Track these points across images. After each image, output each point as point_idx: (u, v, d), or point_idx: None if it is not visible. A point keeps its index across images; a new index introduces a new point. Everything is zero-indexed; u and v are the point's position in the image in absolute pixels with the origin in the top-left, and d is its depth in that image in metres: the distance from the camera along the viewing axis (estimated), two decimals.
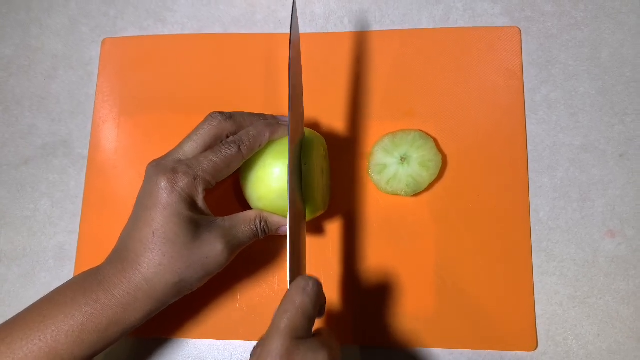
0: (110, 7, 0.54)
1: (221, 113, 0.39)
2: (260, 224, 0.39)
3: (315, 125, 0.49)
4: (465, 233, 0.46)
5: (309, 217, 0.42)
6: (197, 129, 0.39)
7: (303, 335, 0.32)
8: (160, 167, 0.37)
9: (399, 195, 0.45)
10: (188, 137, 0.39)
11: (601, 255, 0.45)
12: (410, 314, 0.44)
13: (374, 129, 0.48)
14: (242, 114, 0.41)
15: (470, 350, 0.44)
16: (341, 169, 0.47)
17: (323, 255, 0.46)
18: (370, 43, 0.50)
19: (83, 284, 0.36)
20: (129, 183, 0.49)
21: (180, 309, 0.45)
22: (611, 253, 0.45)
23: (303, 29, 0.51)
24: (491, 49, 0.49)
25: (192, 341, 0.45)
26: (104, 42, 0.53)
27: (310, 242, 0.46)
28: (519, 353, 0.44)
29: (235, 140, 0.38)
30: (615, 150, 0.47)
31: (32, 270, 0.48)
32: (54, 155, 0.50)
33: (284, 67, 0.50)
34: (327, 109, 0.49)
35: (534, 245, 0.45)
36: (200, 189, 0.37)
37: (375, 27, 0.51)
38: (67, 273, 0.48)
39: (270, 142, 0.40)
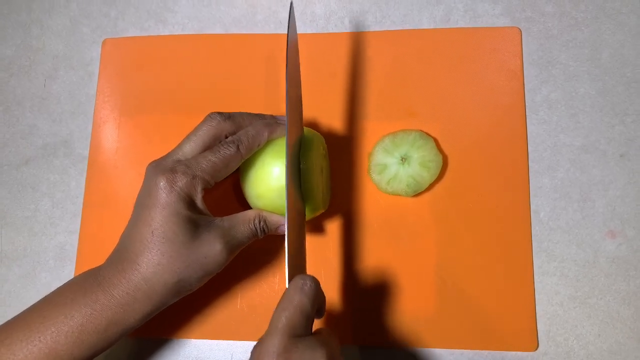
0: (111, 7, 0.54)
1: (220, 113, 0.39)
2: (260, 223, 0.39)
3: (315, 125, 0.49)
4: (466, 233, 0.46)
5: (308, 216, 0.42)
6: (196, 129, 0.39)
7: (301, 333, 0.33)
8: (160, 167, 0.37)
9: (399, 195, 0.45)
10: (187, 138, 0.39)
11: (602, 256, 0.45)
12: (411, 314, 0.44)
13: (374, 129, 0.48)
14: (241, 114, 0.41)
15: (470, 351, 0.44)
16: (341, 169, 0.48)
17: (323, 255, 0.46)
18: (371, 43, 0.50)
19: (83, 284, 0.36)
20: (129, 183, 0.49)
21: (181, 309, 0.45)
22: (612, 253, 0.45)
23: (304, 29, 0.51)
24: (492, 49, 0.49)
25: (193, 341, 0.45)
26: (104, 42, 0.53)
27: (311, 242, 0.46)
28: (520, 353, 0.44)
29: (234, 140, 0.38)
30: (616, 151, 0.47)
31: (32, 271, 0.48)
32: (55, 156, 0.50)
33: (285, 68, 0.50)
34: (328, 109, 0.49)
35: (534, 245, 0.45)
36: (199, 189, 0.37)
37: (375, 28, 0.51)
38: (67, 273, 0.48)
39: (269, 142, 0.40)
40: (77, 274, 0.38)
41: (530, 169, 0.47)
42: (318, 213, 0.43)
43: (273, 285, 0.46)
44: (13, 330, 0.35)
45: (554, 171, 0.47)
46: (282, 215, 0.40)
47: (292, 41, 0.40)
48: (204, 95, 0.50)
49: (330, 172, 0.47)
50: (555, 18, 0.50)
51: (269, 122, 0.41)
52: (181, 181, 0.36)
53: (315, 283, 0.35)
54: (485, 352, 0.44)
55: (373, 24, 0.51)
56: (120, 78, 0.51)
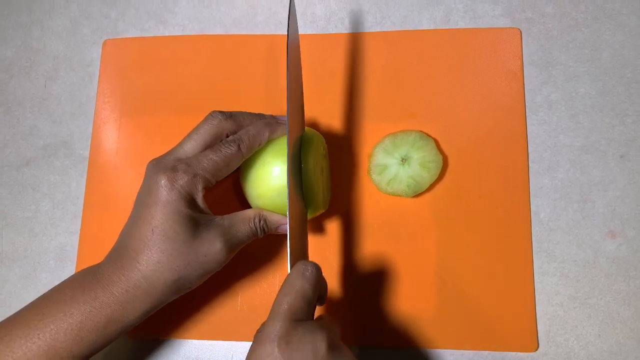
0: (111, 8, 0.54)
1: (221, 112, 0.40)
2: (260, 222, 0.39)
3: (315, 126, 0.49)
4: (466, 234, 0.46)
5: (309, 216, 0.42)
6: (197, 127, 0.39)
7: (303, 318, 0.33)
8: (160, 165, 0.37)
9: (399, 195, 0.45)
10: (188, 136, 0.39)
11: (602, 256, 0.45)
12: (411, 315, 0.44)
13: (374, 129, 0.48)
14: (242, 113, 0.41)
15: (470, 351, 0.44)
16: (342, 169, 0.48)
17: (323, 255, 0.46)
18: (371, 44, 0.50)
19: (82, 281, 0.36)
20: (129, 184, 0.49)
21: (181, 310, 0.45)
22: (612, 254, 0.45)
23: (304, 30, 0.51)
24: (492, 50, 0.49)
25: (193, 342, 0.45)
26: (105, 43, 0.53)
27: (311, 242, 0.46)
28: (520, 354, 0.44)
29: (235, 139, 0.38)
30: (616, 151, 0.47)
31: (33, 271, 0.48)
32: (55, 157, 0.50)
33: (285, 68, 0.50)
34: (328, 110, 0.49)
35: (534, 245, 0.45)
36: (200, 187, 0.37)
37: (375, 29, 0.51)
38: (68, 274, 0.48)
39: (269, 141, 0.40)
40: (75, 272, 0.38)
41: (531, 170, 0.47)
42: (318, 213, 0.43)
43: (273, 286, 0.46)
44: (12, 328, 0.35)
45: (554, 172, 0.47)
46: (283, 214, 0.41)
47: (293, 37, 0.40)
48: (204, 96, 0.50)
49: (330, 173, 0.47)
50: (556, 19, 0.50)
51: (270, 121, 0.41)
52: (182, 179, 0.36)
53: (317, 269, 0.35)
54: (486, 352, 0.44)
55: (373, 25, 0.51)
56: (121, 79, 0.52)
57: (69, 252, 0.48)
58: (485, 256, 0.45)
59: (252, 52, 0.51)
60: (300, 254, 0.38)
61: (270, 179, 0.39)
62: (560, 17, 0.50)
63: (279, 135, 0.41)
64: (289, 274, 0.35)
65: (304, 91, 0.44)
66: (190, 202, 0.36)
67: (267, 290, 0.46)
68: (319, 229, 0.47)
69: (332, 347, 0.32)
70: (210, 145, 0.38)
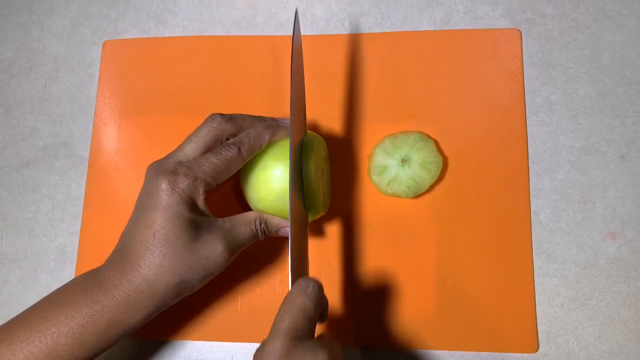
0: (111, 9, 0.54)
1: (221, 115, 0.39)
2: (261, 225, 0.39)
3: (315, 127, 0.49)
4: (466, 235, 0.46)
5: (309, 218, 0.42)
6: (197, 130, 0.39)
7: (304, 336, 0.32)
8: (161, 168, 0.37)
9: (399, 196, 0.45)
10: (188, 139, 0.39)
11: (602, 257, 0.45)
12: (411, 316, 0.44)
13: (374, 130, 0.48)
14: (242, 116, 0.41)
15: (470, 352, 0.44)
16: (341, 170, 0.48)
17: (324, 256, 0.46)
18: (371, 45, 0.50)
19: (84, 285, 0.36)
20: (129, 185, 0.49)
21: (181, 311, 0.45)
22: (612, 255, 0.45)
23: (304, 31, 0.51)
24: (492, 51, 0.49)
25: (193, 343, 0.45)
26: (105, 44, 0.53)
27: (311, 244, 0.46)
28: (520, 355, 0.44)
29: (236, 142, 0.38)
30: (616, 152, 0.47)
31: (33, 272, 0.48)
32: (55, 157, 0.50)
33: (285, 69, 0.50)
34: (328, 111, 0.49)
35: (534, 246, 0.45)
36: (201, 191, 0.37)
37: (376, 30, 0.51)
38: (68, 275, 0.48)
39: (270, 144, 0.40)
40: (77, 276, 0.38)
41: (531, 171, 0.47)
42: (319, 215, 0.43)
43: (274, 287, 0.46)
44: (14, 330, 0.35)
45: (554, 172, 0.47)
46: (283, 217, 0.41)
47: (297, 48, 0.40)
48: (204, 96, 0.50)
49: (330, 174, 0.47)
50: (556, 20, 0.50)
51: (270, 124, 0.41)
52: (183, 183, 0.36)
53: (319, 286, 0.35)
54: (486, 353, 0.44)
55: (373, 26, 0.51)
56: (121, 79, 0.52)
57: (69, 253, 0.48)
58: (485, 257, 0.45)
59: (252, 53, 0.51)
60: (300, 262, 0.38)
61: (271, 182, 0.39)
62: (560, 18, 0.50)
63: (279, 137, 0.40)
64: (290, 291, 0.34)
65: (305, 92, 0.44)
66: (191, 205, 0.36)
67: (267, 292, 0.46)
68: (319, 231, 0.47)
69: None
70: (210, 148, 0.38)
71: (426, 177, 0.44)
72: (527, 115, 0.48)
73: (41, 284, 0.48)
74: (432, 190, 0.47)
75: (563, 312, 0.44)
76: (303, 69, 0.44)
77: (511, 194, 0.46)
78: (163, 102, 0.50)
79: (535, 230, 0.46)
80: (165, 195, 0.35)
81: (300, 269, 0.38)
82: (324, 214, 0.43)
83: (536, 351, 0.44)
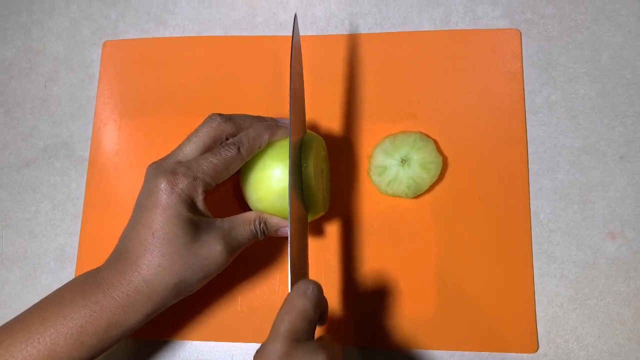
0: (111, 9, 0.54)
1: (220, 115, 0.40)
2: (260, 225, 0.39)
3: (315, 127, 0.49)
4: (466, 235, 0.46)
5: (309, 218, 0.42)
6: (196, 130, 0.39)
7: (303, 338, 0.32)
8: (160, 168, 0.37)
9: (399, 197, 0.45)
10: (188, 139, 0.39)
11: (602, 257, 0.45)
12: (411, 316, 0.44)
13: (374, 131, 0.48)
14: (241, 116, 0.41)
15: (470, 352, 0.44)
16: (341, 170, 0.48)
17: (323, 257, 0.46)
18: (371, 45, 0.50)
19: (83, 285, 0.36)
20: (129, 185, 0.49)
21: (181, 311, 0.45)
22: (612, 255, 0.45)
23: (304, 31, 0.51)
24: (491, 51, 0.49)
25: (193, 343, 0.45)
26: (105, 44, 0.53)
27: (311, 244, 0.46)
28: (520, 355, 0.44)
29: (235, 142, 0.38)
30: (616, 152, 0.47)
31: (33, 272, 0.48)
32: (55, 158, 0.50)
33: (285, 69, 0.50)
34: (327, 111, 0.49)
35: (534, 247, 0.45)
36: (200, 191, 0.37)
37: (375, 30, 0.51)
38: (68, 275, 0.48)
39: (269, 144, 0.40)
40: (76, 276, 0.38)
41: (530, 171, 0.47)
42: (318, 215, 0.43)
43: (273, 287, 0.46)
44: (12, 332, 0.35)
45: (553, 173, 0.47)
46: (283, 217, 0.41)
47: (296, 51, 0.40)
48: (204, 96, 0.50)
49: (330, 174, 0.47)
50: (555, 20, 0.50)
51: (270, 124, 0.41)
52: (182, 183, 0.36)
53: (318, 288, 0.35)
54: (485, 353, 0.44)
55: (373, 26, 0.51)
56: (121, 80, 0.52)
57: (69, 253, 0.48)
58: (485, 257, 0.45)
59: (252, 53, 0.51)
60: (300, 263, 0.38)
61: (270, 182, 0.39)
62: (560, 19, 0.50)
63: (279, 137, 0.41)
64: (289, 293, 0.34)
65: (304, 93, 0.44)
66: (191, 205, 0.36)
67: (267, 292, 0.46)
68: (319, 231, 0.47)
69: None
70: (209, 148, 0.38)
71: (426, 177, 0.44)
72: (526, 115, 0.48)
73: (41, 284, 0.48)
74: (432, 190, 0.47)
75: (563, 312, 0.44)
76: (302, 72, 0.44)
77: (511, 194, 0.46)
78: (163, 102, 0.50)
79: (535, 230, 0.46)
80: (165, 195, 0.35)
81: (300, 270, 0.38)
82: (323, 213, 0.44)
83: (536, 351, 0.44)
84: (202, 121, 0.39)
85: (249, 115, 0.41)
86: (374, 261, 0.46)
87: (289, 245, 0.36)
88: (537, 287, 0.45)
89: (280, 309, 0.34)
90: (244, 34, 0.52)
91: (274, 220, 0.40)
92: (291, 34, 0.50)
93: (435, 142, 0.47)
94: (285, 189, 0.39)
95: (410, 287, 0.45)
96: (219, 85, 0.50)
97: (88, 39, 0.53)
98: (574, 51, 0.49)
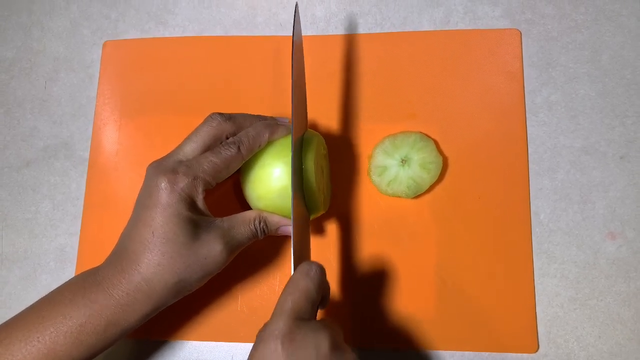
0: (111, 9, 0.54)
1: (221, 114, 0.40)
2: (260, 224, 0.39)
3: (315, 127, 0.49)
4: (466, 235, 0.46)
5: (310, 217, 0.42)
6: (196, 130, 0.39)
7: (306, 317, 0.33)
8: (161, 167, 0.37)
9: (399, 197, 0.45)
10: (188, 138, 0.39)
11: (602, 257, 0.45)
12: (411, 316, 0.44)
13: (375, 131, 0.48)
14: (241, 115, 0.41)
15: (470, 352, 0.44)
16: (341, 170, 0.48)
17: (323, 256, 0.46)
18: (371, 45, 0.50)
19: (82, 284, 0.36)
20: (130, 185, 0.49)
21: (181, 311, 0.45)
22: (612, 255, 0.45)
23: (304, 31, 0.51)
24: (492, 51, 0.49)
25: (193, 343, 0.45)
26: (105, 44, 0.53)
27: (311, 243, 0.46)
28: (520, 355, 0.44)
29: (235, 141, 0.38)
30: (616, 152, 0.47)
31: (33, 273, 0.48)
32: (55, 158, 0.50)
33: (285, 69, 0.50)
34: (327, 111, 0.49)
35: (534, 247, 0.45)
36: (200, 190, 0.37)
37: (376, 30, 0.51)
38: (68, 275, 0.48)
39: (269, 143, 0.40)
40: (76, 275, 0.38)
41: (530, 171, 0.47)
42: (318, 214, 0.43)
43: (273, 287, 0.46)
44: (12, 331, 0.35)
45: (554, 173, 0.47)
46: (283, 215, 0.41)
47: (297, 42, 0.40)
48: (204, 96, 0.50)
49: (330, 174, 0.47)
50: (555, 20, 0.50)
51: (270, 123, 0.41)
52: (182, 182, 0.36)
53: (321, 269, 0.35)
54: (486, 353, 0.44)
55: (373, 26, 0.51)
56: (121, 80, 0.52)
57: (69, 253, 0.48)
58: (485, 257, 0.45)
59: (252, 53, 0.51)
60: (304, 247, 0.38)
61: (270, 181, 0.39)
62: (560, 19, 0.50)
63: (279, 136, 0.41)
64: (293, 274, 0.35)
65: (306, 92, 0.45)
66: (191, 204, 0.36)
67: (267, 292, 0.46)
68: (319, 230, 0.47)
69: (335, 346, 0.32)
70: (210, 147, 0.38)
71: (426, 177, 0.44)
72: (527, 115, 0.48)
73: (41, 284, 0.48)
74: (432, 191, 0.47)
75: (563, 312, 0.44)
76: (304, 64, 0.44)
77: (511, 194, 0.46)
78: (163, 102, 0.50)
79: (535, 230, 0.46)
80: (165, 194, 0.35)
81: (303, 253, 0.38)
82: (323, 212, 0.43)
83: (536, 351, 0.44)
84: (202, 121, 0.39)
85: (249, 114, 0.41)
86: (374, 261, 0.46)
87: (291, 240, 0.36)
88: (538, 287, 0.45)
89: (283, 290, 0.34)
90: (244, 34, 0.52)
91: (274, 219, 0.40)
92: (292, 29, 0.50)
93: (436, 142, 0.47)
94: (285, 187, 0.39)
95: (410, 286, 0.45)
96: (219, 85, 0.50)
97: (88, 39, 0.53)
98: (574, 51, 0.49)
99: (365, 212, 0.47)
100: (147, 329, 0.41)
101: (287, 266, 0.46)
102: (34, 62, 0.53)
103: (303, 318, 0.33)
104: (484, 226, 0.46)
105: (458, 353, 0.44)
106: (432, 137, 0.47)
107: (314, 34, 0.51)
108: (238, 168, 0.39)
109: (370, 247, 0.46)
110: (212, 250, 0.36)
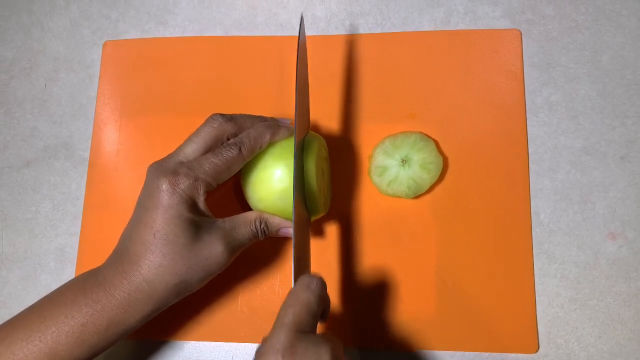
0: (111, 9, 0.54)
1: (222, 115, 0.40)
2: (261, 225, 0.39)
3: (316, 128, 0.49)
4: (466, 235, 0.46)
5: (310, 218, 0.42)
6: (198, 130, 0.39)
7: (307, 330, 0.33)
8: (162, 169, 0.37)
9: (399, 197, 0.45)
10: (189, 139, 0.39)
11: (602, 258, 0.45)
12: (411, 316, 0.44)
13: (375, 131, 0.48)
14: (242, 116, 0.41)
15: (471, 353, 0.44)
16: (342, 171, 0.48)
17: (324, 257, 0.46)
18: (371, 46, 0.50)
19: (84, 284, 0.36)
20: (130, 185, 0.49)
21: (181, 311, 0.45)
22: (612, 255, 0.45)
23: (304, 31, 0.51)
24: (492, 51, 0.49)
25: (193, 343, 0.45)
26: (105, 44, 0.53)
27: (311, 244, 0.46)
28: (520, 355, 0.44)
29: (236, 142, 0.38)
30: (616, 153, 0.47)
31: (33, 273, 0.48)
32: (55, 158, 0.50)
33: (286, 69, 0.50)
34: (328, 111, 0.49)
35: (535, 247, 0.45)
36: (201, 191, 0.37)
37: (376, 30, 0.51)
38: (68, 275, 0.48)
39: (271, 144, 0.40)
40: (77, 275, 0.38)
41: (531, 171, 0.47)
42: (319, 215, 0.43)
43: (274, 287, 0.46)
44: (13, 330, 0.35)
45: (554, 173, 0.47)
46: (283, 217, 0.41)
47: (302, 51, 0.40)
48: (204, 97, 0.50)
49: (330, 175, 0.47)
50: (556, 20, 0.50)
51: (271, 124, 0.41)
52: (183, 183, 0.36)
53: (322, 282, 0.35)
54: (486, 354, 0.44)
55: (374, 27, 0.51)
56: (121, 80, 0.52)
57: (69, 253, 0.48)
58: (485, 257, 0.45)
59: (252, 53, 0.51)
60: (304, 259, 0.38)
61: (271, 182, 0.39)
62: (560, 19, 0.50)
63: (280, 137, 0.41)
64: (293, 287, 0.35)
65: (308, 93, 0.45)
66: (192, 205, 0.36)
67: (267, 292, 0.46)
68: (320, 231, 0.47)
69: None
70: (211, 148, 0.38)
71: (426, 178, 0.44)
72: (527, 115, 0.48)
73: (41, 284, 0.48)
74: (433, 191, 0.47)
75: (563, 312, 0.44)
76: (307, 74, 0.44)
77: (511, 195, 0.46)
78: (163, 102, 0.50)
79: (535, 230, 0.46)
80: (166, 196, 0.35)
81: (303, 266, 0.38)
82: (324, 213, 0.43)
83: (536, 352, 0.44)
84: (202, 121, 0.39)
85: (251, 115, 0.41)
86: (374, 261, 0.46)
87: (293, 246, 0.36)
88: (538, 287, 0.45)
89: (284, 302, 0.34)
90: (244, 34, 0.52)
91: (275, 220, 0.40)
92: (295, 35, 0.50)
93: (436, 143, 0.47)
94: (285, 189, 0.39)
95: (410, 287, 0.45)
96: (219, 85, 0.50)
97: (88, 39, 0.53)
98: (574, 51, 0.49)
99: (365, 213, 0.47)
100: (147, 329, 0.41)
101: (287, 267, 0.46)
102: (34, 62, 0.53)
103: (304, 331, 0.32)
104: (484, 226, 0.46)
105: (458, 353, 0.44)
106: (432, 137, 0.47)
107: (314, 34, 0.51)
108: (239, 169, 0.39)
109: (371, 248, 0.46)
110: (213, 251, 0.36)
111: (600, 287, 0.44)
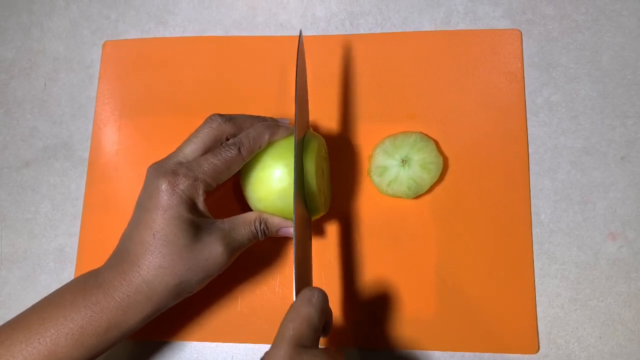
0: (111, 10, 0.54)
1: (221, 115, 0.39)
2: (260, 225, 0.39)
3: (316, 128, 0.49)
4: (466, 235, 0.46)
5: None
6: (197, 131, 0.39)
7: (308, 344, 0.32)
8: (161, 169, 0.37)
9: (399, 197, 0.45)
10: (188, 140, 0.39)
11: (603, 258, 0.45)
12: (411, 316, 0.44)
13: (375, 131, 0.48)
14: (241, 116, 0.41)
15: (471, 353, 0.44)
16: (342, 171, 0.47)
17: (323, 257, 0.46)
18: (372, 46, 0.50)
19: (83, 286, 0.36)
20: (129, 185, 0.49)
21: (181, 312, 0.45)
22: (612, 255, 0.45)
23: (304, 31, 0.51)
24: (492, 51, 0.49)
25: (193, 344, 0.45)
26: (105, 44, 0.53)
27: (312, 245, 0.46)
28: (520, 356, 0.44)
29: (235, 142, 0.38)
30: (617, 153, 0.47)
31: (32, 273, 0.48)
32: (55, 158, 0.50)
33: (285, 69, 0.50)
34: (328, 112, 0.49)
35: (535, 247, 0.45)
36: (201, 192, 0.37)
37: (376, 30, 0.51)
38: (67, 276, 0.48)
39: (270, 144, 0.40)
40: (76, 277, 0.38)
41: (531, 171, 0.47)
42: (319, 215, 0.43)
43: (273, 288, 0.46)
44: (13, 332, 0.35)
45: (554, 173, 0.47)
46: (283, 217, 0.41)
47: (301, 63, 0.40)
48: (204, 97, 0.50)
49: (330, 174, 0.47)
50: (556, 20, 0.50)
51: (270, 124, 0.41)
52: (183, 184, 0.36)
53: (323, 295, 0.35)
54: (486, 354, 0.44)
55: (374, 27, 0.51)
56: (121, 80, 0.51)
57: (68, 253, 0.48)
58: (485, 258, 0.45)
59: (252, 54, 0.51)
60: (304, 268, 0.38)
61: (271, 182, 0.39)
62: (560, 19, 0.50)
63: (279, 137, 0.40)
64: (294, 301, 0.34)
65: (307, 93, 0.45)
66: (191, 206, 0.36)
67: (267, 293, 0.46)
68: (320, 231, 0.47)
69: None
70: (210, 149, 0.38)
71: (426, 178, 0.44)
72: (527, 115, 0.48)
73: (41, 284, 0.48)
74: (433, 191, 0.47)
75: (564, 312, 0.44)
76: (306, 79, 0.44)
77: (511, 195, 0.46)
78: (163, 102, 0.50)
79: (535, 230, 0.46)
80: (166, 196, 0.35)
81: (304, 274, 0.38)
82: (324, 213, 0.43)
83: (537, 352, 0.43)
84: (202, 121, 0.39)
85: (250, 116, 0.41)
86: (374, 261, 0.46)
87: (293, 243, 0.36)
88: (538, 287, 0.45)
89: (284, 317, 0.34)
90: (244, 34, 0.52)
91: (275, 221, 0.40)
92: (295, 35, 0.50)
93: (436, 143, 0.47)
94: (285, 189, 0.39)
95: (410, 287, 0.45)
96: (219, 86, 0.50)
97: (88, 39, 0.53)
98: (574, 52, 0.49)
99: (365, 213, 0.47)
100: (147, 330, 0.41)
101: (287, 267, 0.46)
102: (34, 62, 0.53)
103: (305, 345, 0.32)
104: (484, 226, 0.46)
105: (458, 354, 0.44)
106: (432, 137, 0.47)
107: (314, 34, 0.51)
108: (238, 169, 0.39)
109: (371, 248, 0.46)
110: (213, 252, 0.36)
111: (601, 288, 0.44)
